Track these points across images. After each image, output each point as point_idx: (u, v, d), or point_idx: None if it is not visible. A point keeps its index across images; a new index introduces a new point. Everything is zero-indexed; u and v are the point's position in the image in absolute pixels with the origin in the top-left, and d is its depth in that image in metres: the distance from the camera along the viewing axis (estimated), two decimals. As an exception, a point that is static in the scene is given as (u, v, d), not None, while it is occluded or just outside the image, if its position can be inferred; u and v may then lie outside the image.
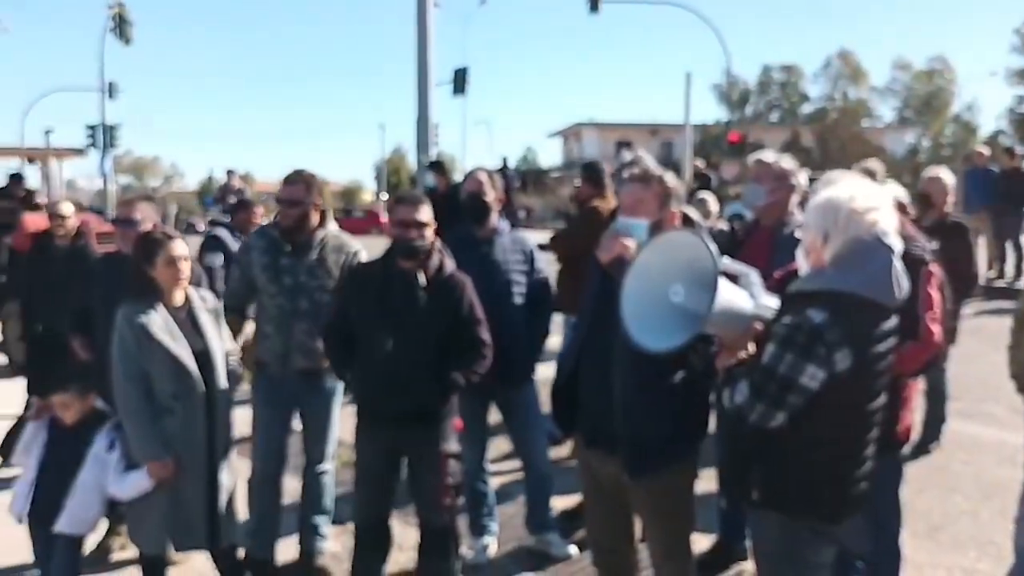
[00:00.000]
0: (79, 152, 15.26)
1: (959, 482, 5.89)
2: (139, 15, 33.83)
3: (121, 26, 29.91)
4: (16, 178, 12.99)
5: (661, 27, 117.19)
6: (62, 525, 3.92)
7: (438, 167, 10.69)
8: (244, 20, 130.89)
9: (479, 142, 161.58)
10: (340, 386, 4.78)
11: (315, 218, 4.60)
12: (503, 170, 27.17)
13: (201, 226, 40.78)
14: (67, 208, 6.45)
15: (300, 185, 4.56)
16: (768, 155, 4.56)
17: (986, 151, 14.44)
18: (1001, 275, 13.28)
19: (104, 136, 30.85)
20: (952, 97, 64.28)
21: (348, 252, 4.67)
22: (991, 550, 4.95)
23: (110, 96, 33.52)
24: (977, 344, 9.33)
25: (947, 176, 6.16)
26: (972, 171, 13.40)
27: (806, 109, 67.13)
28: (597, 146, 55.10)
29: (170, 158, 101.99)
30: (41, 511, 3.90)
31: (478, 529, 5.04)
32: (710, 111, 76.82)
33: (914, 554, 4.71)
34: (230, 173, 16.35)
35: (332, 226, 4.75)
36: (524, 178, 32.94)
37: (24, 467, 3.95)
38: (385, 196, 65.44)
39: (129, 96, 66.26)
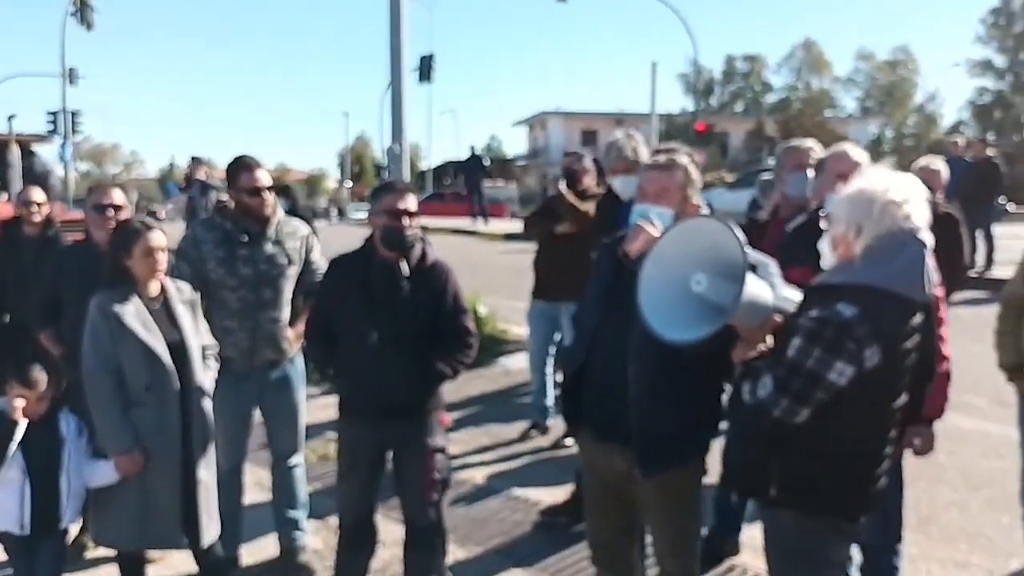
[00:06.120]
0: (43, 138, 14.86)
1: (945, 474, 5.85)
2: (101, 1, 33.07)
3: (83, 10, 29.31)
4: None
5: (628, 16, 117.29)
6: (68, 520, 3.79)
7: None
8: (206, 7, 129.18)
9: (445, 130, 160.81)
10: (304, 374, 4.67)
11: None
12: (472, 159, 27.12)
13: (162, 214, 40.12)
14: (39, 195, 6.20)
15: (263, 168, 4.44)
16: (811, 143, 4.32)
17: (961, 141, 14.48)
18: (972, 265, 13.35)
19: (66, 122, 30.30)
20: (914, 88, 65.15)
21: (302, 236, 4.59)
22: (982, 542, 4.92)
23: (71, 82, 32.92)
24: (953, 335, 9.35)
25: (943, 167, 6.10)
26: (948, 161, 13.46)
27: (770, 99, 67.60)
28: (562, 135, 55.06)
29: (130, 145, 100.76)
30: (43, 515, 3.71)
31: None
32: (675, 101, 77.15)
33: (906, 548, 4.65)
34: (195, 160, 16.01)
35: (280, 212, 4.61)
36: (492, 167, 32.76)
37: (5, 478, 3.73)
38: (349, 184, 65.05)
39: (90, 83, 65.38)
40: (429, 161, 55.41)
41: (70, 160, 32.78)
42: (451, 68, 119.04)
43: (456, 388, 7.82)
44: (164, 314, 3.86)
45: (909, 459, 5.71)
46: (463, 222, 26.55)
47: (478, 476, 6.00)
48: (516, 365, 8.99)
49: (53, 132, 29.46)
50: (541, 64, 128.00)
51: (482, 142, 78.29)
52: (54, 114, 30.29)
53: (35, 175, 11.86)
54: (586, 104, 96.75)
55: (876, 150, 53.98)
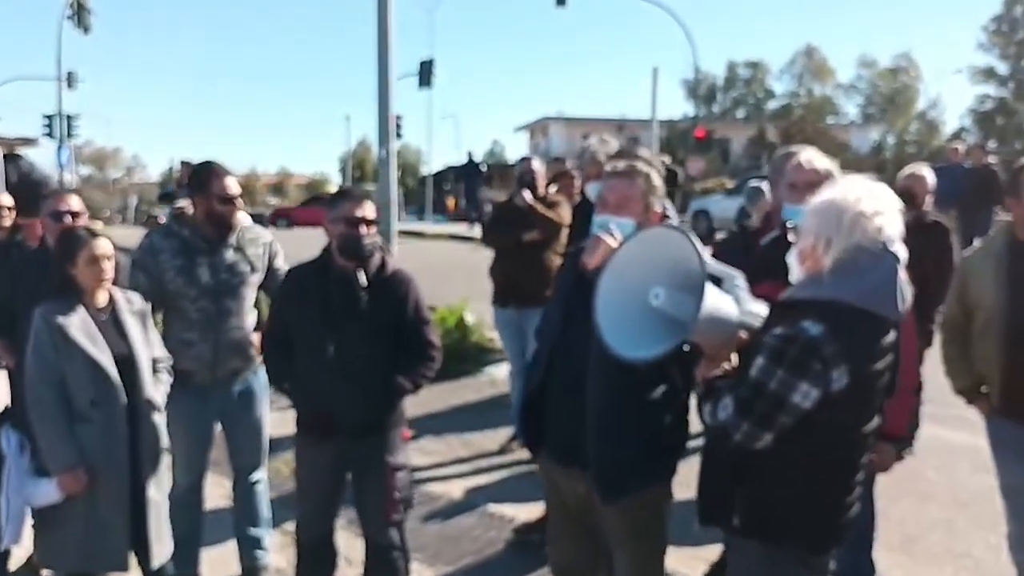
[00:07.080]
0: (30, 142, 14.71)
1: (934, 490, 5.69)
2: (98, 4, 32.86)
3: (80, 14, 29.15)
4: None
5: (629, 21, 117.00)
6: (8, 541, 3.64)
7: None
8: (207, 10, 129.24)
9: (446, 136, 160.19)
10: (266, 384, 4.48)
11: None
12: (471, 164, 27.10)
13: (163, 218, 39.94)
14: (7, 199, 6.07)
15: (233, 176, 4.28)
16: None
17: (961, 147, 14.34)
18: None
19: (62, 126, 30.16)
20: (916, 95, 64.90)
21: (264, 243, 4.43)
22: (968, 563, 4.75)
23: (69, 86, 32.82)
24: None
25: (929, 174, 5.95)
26: (946, 168, 13.34)
27: (772, 105, 67.44)
28: (564, 140, 54.79)
29: (132, 149, 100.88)
30: None
31: None
32: (677, 107, 77.12)
33: (889, 570, 4.48)
34: (185, 165, 15.85)
35: (245, 218, 4.46)
36: (490, 172, 32.62)
37: None
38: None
39: (88, 86, 65.01)
40: (430, 166, 55.29)
41: (67, 164, 32.64)
42: (452, 73, 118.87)
43: (440, 397, 7.68)
44: (112, 325, 3.69)
45: (897, 475, 5.57)
46: (459, 228, 26.41)
47: (455, 490, 5.84)
48: (502, 374, 8.82)
49: (48, 135, 29.34)
50: (542, 69, 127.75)
51: (484, 147, 78.09)
52: (50, 118, 30.17)
53: (32, 181, 11.71)
54: (587, 110, 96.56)
55: (878, 157, 53.70)
